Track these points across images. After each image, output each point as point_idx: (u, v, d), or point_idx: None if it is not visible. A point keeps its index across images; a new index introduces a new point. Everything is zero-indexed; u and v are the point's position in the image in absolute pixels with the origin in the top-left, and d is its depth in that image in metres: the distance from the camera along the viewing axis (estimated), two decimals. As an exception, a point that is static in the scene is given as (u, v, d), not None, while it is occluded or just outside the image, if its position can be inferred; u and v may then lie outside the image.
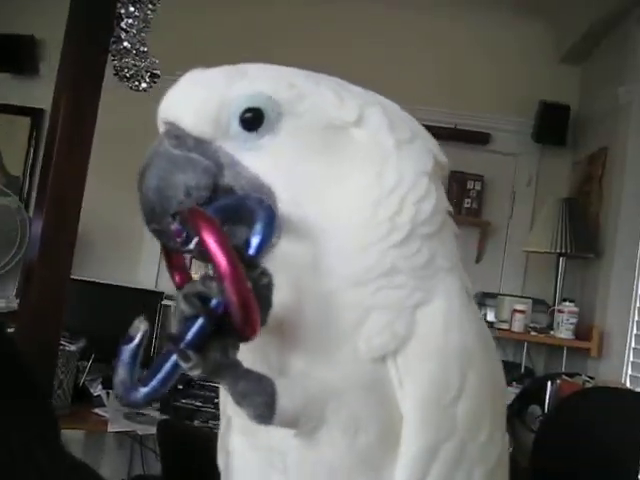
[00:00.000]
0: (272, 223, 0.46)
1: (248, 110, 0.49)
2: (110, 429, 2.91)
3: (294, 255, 0.48)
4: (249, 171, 0.49)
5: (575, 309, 2.97)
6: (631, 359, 2.76)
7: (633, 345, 2.77)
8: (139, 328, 0.46)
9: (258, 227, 0.45)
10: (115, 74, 1.89)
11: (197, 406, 3.29)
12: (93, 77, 1.94)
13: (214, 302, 0.45)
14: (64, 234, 1.96)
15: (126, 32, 1.84)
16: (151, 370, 0.45)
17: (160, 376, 0.45)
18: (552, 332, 3.02)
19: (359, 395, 0.49)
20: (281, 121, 0.50)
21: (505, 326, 3.01)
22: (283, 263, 0.48)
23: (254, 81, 0.50)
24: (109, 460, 3.61)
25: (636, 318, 2.77)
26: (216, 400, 3.22)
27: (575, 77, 3.75)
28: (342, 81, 0.55)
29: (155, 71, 1.90)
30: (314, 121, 0.50)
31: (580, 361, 3.02)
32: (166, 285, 3.83)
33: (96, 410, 3.07)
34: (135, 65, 1.86)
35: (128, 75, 1.87)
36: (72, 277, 2.26)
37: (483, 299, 3.29)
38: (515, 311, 3.01)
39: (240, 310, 0.43)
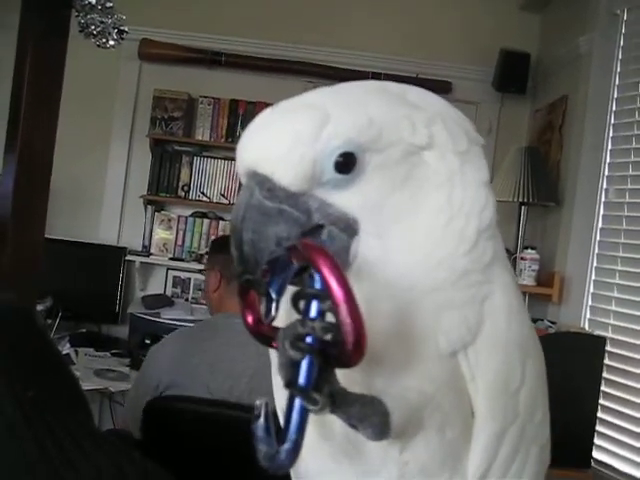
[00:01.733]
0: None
1: (342, 155, 0.50)
2: (82, 387, 2.91)
3: (377, 279, 0.50)
4: (337, 209, 0.51)
5: (537, 256, 3.05)
6: (590, 304, 2.87)
7: (592, 290, 2.87)
8: (262, 405, 0.47)
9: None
10: (81, 31, 1.83)
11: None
12: (58, 32, 1.88)
13: (317, 341, 0.45)
14: (37, 192, 1.92)
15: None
16: (283, 429, 0.46)
17: (293, 427, 0.45)
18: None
19: (444, 393, 0.52)
20: (367, 160, 0.51)
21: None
22: (367, 284, 0.50)
23: (339, 126, 0.51)
24: (78, 416, 3.62)
25: (595, 264, 2.87)
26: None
27: (535, 25, 3.77)
28: (402, 92, 0.56)
29: (122, 27, 1.84)
30: (393, 153, 0.52)
31: (542, 307, 3.12)
32: (128, 240, 3.80)
33: (66, 368, 3.07)
34: (102, 22, 1.80)
35: (95, 32, 1.82)
36: (49, 237, 2.22)
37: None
38: (479, 260, 3.07)
39: (354, 337, 0.44)
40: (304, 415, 0.46)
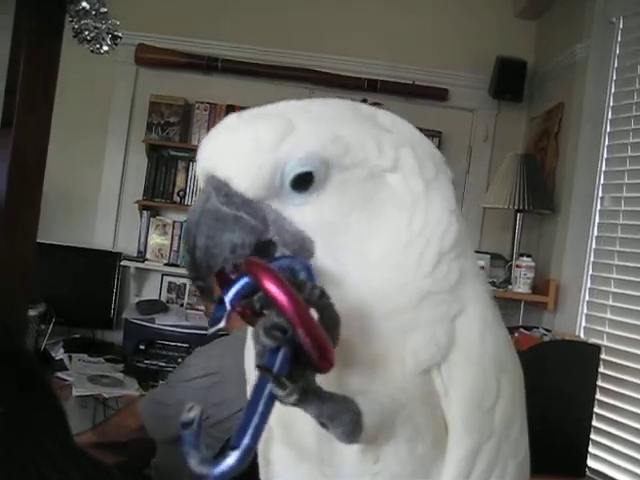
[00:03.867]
0: (312, 272, 0.48)
1: (299, 174, 0.49)
2: (75, 393, 2.90)
3: (336, 299, 0.49)
4: (293, 226, 0.51)
5: (532, 264, 3.05)
6: (585, 312, 2.87)
7: (587, 298, 2.86)
8: (193, 411, 0.46)
9: (303, 274, 0.47)
10: (74, 36, 1.83)
11: (160, 366, 3.31)
12: (51, 35, 1.87)
13: (290, 333, 0.45)
14: (30, 197, 1.91)
15: (82, -8, 1.77)
16: (240, 428, 0.45)
17: (255, 422, 0.45)
18: (510, 287, 3.11)
19: (416, 406, 0.51)
20: (329, 176, 0.50)
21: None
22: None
23: (303, 139, 0.50)
24: (72, 420, 3.60)
25: (590, 272, 2.86)
26: (179, 360, 3.23)
27: (531, 32, 3.78)
28: (373, 111, 0.55)
29: (116, 33, 1.83)
30: (356, 173, 0.52)
31: (537, 314, 3.12)
32: (123, 245, 3.79)
33: (59, 374, 3.05)
34: (95, 27, 1.79)
35: (88, 38, 1.81)
36: (40, 241, 2.19)
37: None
38: (475, 267, 3.07)
39: (314, 349, 0.43)
40: (267, 409, 0.45)
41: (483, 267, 3.07)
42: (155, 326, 3.47)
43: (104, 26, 1.80)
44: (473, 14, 3.71)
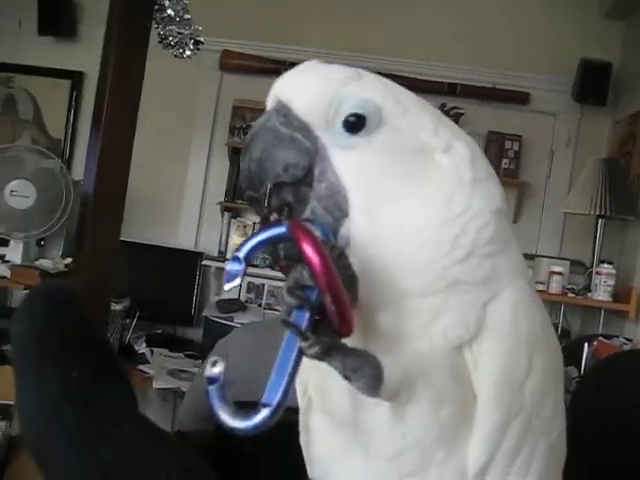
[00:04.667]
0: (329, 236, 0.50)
1: (354, 114, 0.51)
2: (155, 385, 3.01)
3: (364, 262, 0.51)
4: (333, 169, 0.52)
5: (613, 271, 2.96)
6: (669, 321, 2.76)
7: (672, 307, 2.76)
8: (217, 366, 0.49)
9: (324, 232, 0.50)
10: (160, 42, 1.92)
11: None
12: (138, 43, 1.97)
13: (314, 294, 0.48)
14: (115, 195, 2.02)
15: (169, 0, 1.86)
16: (270, 386, 0.48)
17: (285, 378, 0.48)
18: (589, 294, 3.03)
19: (441, 375, 0.53)
20: (380, 130, 0.53)
21: (542, 287, 3.02)
22: (358, 266, 0.51)
23: (367, 87, 0.53)
24: (153, 414, 3.74)
25: (676, 280, 2.76)
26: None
27: (618, 33, 3.67)
28: (439, 112, 0.58)
29: (198, 38, 1.92)
30: (408, 139, 0.54)
31: (618, 323, 3.03)
32: (205, 245, 3.92)
33: (140, 367, 3.18)
34: (179, 33, 1.88)
35: (172, 43, 1.90)
36: (124, 239, 2.29)
37: (520, 260, 3.29)
38: (552, 273, 3.01)
39: (337, 316, 0.46)
40: (295, 367, 0.48)
41: (562, 273, 3.01)
42: (234, 324, 3.56)
43: (187, 32, 1.89)
44: (556, 15, 3.64)
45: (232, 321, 3.56)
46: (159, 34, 1.92)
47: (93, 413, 0.56)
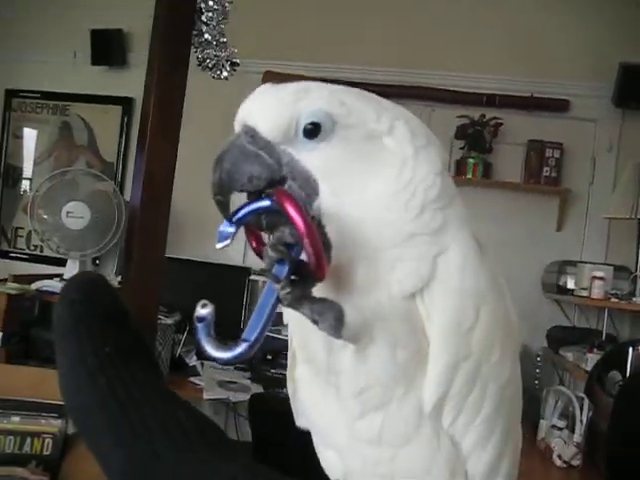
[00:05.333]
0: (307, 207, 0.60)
1: (310, 123, 0.61)
2: (205, 396, 3.11)
3: (333, 228, 0.60)
4: (303, 167, 0.62)
5: (658, 275, 2.95)
6: None
7: None
8: (207, 309, 0.59)
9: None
10: (199, 65, 2.03)
11: (285, 375, 3.47)
12: (178, 68, 2.09)
13: (294, 250, 0.57)
14: (159, 214, 2.13)
15: (206, 25, 1.98)
16: (251, 322, 0.58)
17: (263, 320, 0.58)
18: (634, 299, 3.01)
19: (397, 322, 0.61)
20: (334, 131, 0.62)
21: (585, 293, 3.02)
22: (331, 234, 0.60)
23: (315, 99, 0.62)
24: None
25: None
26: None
27: (658, 37, 3.66)
28: (377, 97, 0.67)
29: (235, 60, 2.02)
30: (358, 131, 0.63)
31: (663, 327, 3.00)
32: (253, 261, 4.02)
33: (191, 379, 3.30)
34: (216, 55, 1.99)
35: (210, 65, 2.01)
36: (167, 256, 2.39)
37: (563, 267, 3.30)
38: (594, 278, 3.01)
39: (314, 259, 0.56)
40: (272, 311, 0.58)
41: (603, 278, 3.00)
42: (282, 337, 3.64)
43: (224, 54, 2.00)
44: (592, 20, 3.65)
45: (280, 334, 3.65)
46: (197, 57, 2.03)
47: (123, 381, 0.65)
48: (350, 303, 0.59)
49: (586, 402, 2.61)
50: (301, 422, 0.75)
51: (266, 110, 0.63)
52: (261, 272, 0.59)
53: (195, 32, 1.99)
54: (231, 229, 0.61)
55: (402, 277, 0.61)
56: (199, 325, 0.58)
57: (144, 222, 2.04)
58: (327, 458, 0.72)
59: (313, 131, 0.62)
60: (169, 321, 3.32)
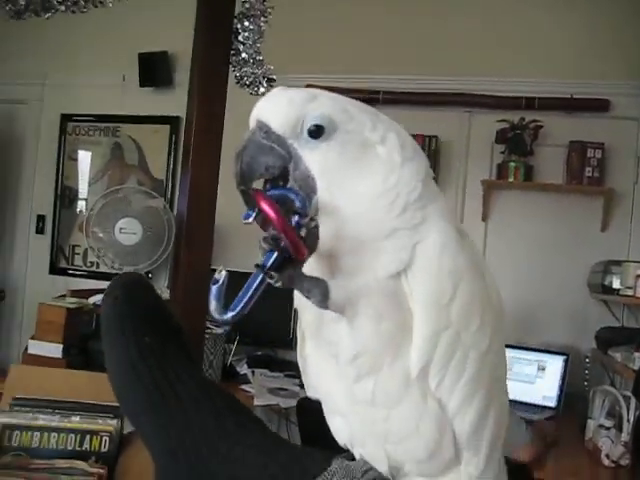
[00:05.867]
0: (305, 202, 0.67)
1: (314, 126, 0.69)
2: (256, 403, 3.21)
3: (329, 222, 0.68)
4: (304, 163, 0.70)
5: None
6: None
7: None
8: (222, 273, 0.68)
9: (297, 202, 0.67)
10: (237, 82, 2.14)
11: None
12: (218, 86, 2.20)
13: (281, 242, 0.66)
14: (204, 227, 2.24)
15: (243, 44, 2.08)
16: (238, 297, 0.66)
17: (246, 297, 0.68)
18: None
19: (382, 299, 0.69)
20: (335, 134, 0.70)
21: (630, 292, 3.01)
22: (324, 225, 0.68)
23: (321, 104, 0.71)
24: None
25: None
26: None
27: (698, 31, 3.62)
28: (375, 110, 0.75)
29: (271, 76, 2.12)
30: (355, 137, 0.72)
31: None
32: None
33: (242, 386, 3.40)
34: (253, 73, 2.09)
35: (248, 82, 2.11)
36: (214, 268, 2.48)
37: (608, 267, 3.28)
38: (638, 276, 3.00)
39: (291, 245, 0.67)
40: (256, 291, 0.69)
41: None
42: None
43: (260, 71, 2.10)
44: (629, 18, 3.63)
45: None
46: (235, 76, 2.13)
47: (161, 367, 0.73)
48: (339, 283, 0.67)
49: (633, 401, 2.60)
50: (311, 392, 0.83)
51: (278, 108, 0.72)
52: (255, 266, 0.68)
53: (233, 51, 2.09)
54: (252, 215, 0.70)
55: (386, 263, 0.69)
56: (213, 287, 0.67)
57: (190, 235, 2.15)
58: (334, 423, 0.80)
59: (316, 132, 0.71)
60: (219, 331, 3.43)
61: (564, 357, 3.43)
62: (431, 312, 0.70)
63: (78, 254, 4.61)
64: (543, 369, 3.46)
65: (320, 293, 0.67)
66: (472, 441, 0.72)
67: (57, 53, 4.58)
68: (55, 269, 4.68)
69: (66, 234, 4.69)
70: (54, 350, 3.08)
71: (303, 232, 0.67)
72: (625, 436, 2.59)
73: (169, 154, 4.43)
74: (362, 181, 0.71)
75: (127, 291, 0.78)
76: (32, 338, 3.18)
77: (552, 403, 3.37)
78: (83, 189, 4.67)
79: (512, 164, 3.72)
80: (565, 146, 3.71)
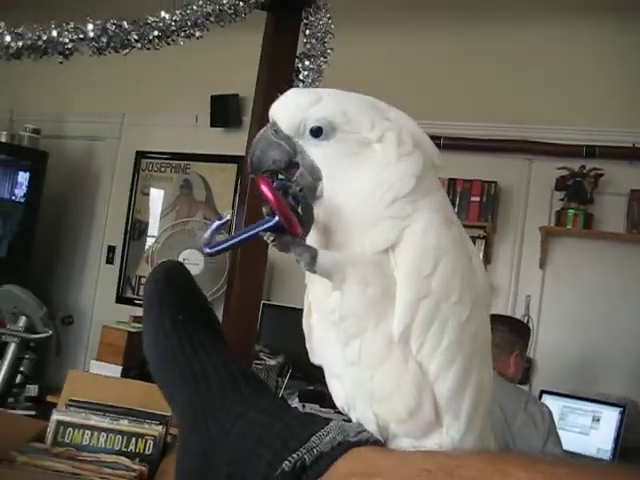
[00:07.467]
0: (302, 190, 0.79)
1: (315, 127, 0.79)
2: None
3: (329, 206, 0.78)
4: (309, 157, 0.80)
5: None
6: None
7: None
8: (228, 214, 0.78)
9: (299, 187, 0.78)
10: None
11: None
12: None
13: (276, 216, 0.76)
14: (256, 261, 2.34)
15: (303, 82, 2.20)
16: (226, 238, 0.76)
17: (230, 242, 0.77)
18: None
19: (367, 266, 0.77)
20: (334, 134, 0.80)
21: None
22: (322, 212, 0.78)
23: (323, 107, 0.81)
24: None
25: None
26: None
27: None
28: (386, 107, 0.84)
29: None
30: (353, 137, 0.80)
31: None
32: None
33: (293, 420, 3.44)
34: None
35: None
36: (272, 303, 2.57)
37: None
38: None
39: (285, 221, 0.74)
40: (242, 241, 0.76)
41: None
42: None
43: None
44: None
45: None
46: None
47: (190, 341, 0.82)
48: (329, 252, 0.76)
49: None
50: (314, 359, 0.90)
51: (285, 111, 0.81)
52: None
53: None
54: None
55: (375, 240, 0.78)
56: (215, 222, 0.78)
57: (243, 267, 2.26)
58: (333, 387, 0.86)
59: (317, 132, 0.80)
60: (272, 362, 3.51)
61: (620, 409, 3.36)
62: (412, 282, 0.77)
63: (143, 285, 4.80)
64: (598, 420, 3.39)
65: (309, 257, 0.75)
66: (452, 405, 0.79)
67: (135, 93, 4.86)
68: (121, 298, 4.89)
69: (134, 265, 4.89)
70: (114, 371, 3.23)
71: (299, 210, 0.76)
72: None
73: (235, 192, 4.59)
74: (357, 176, 0.79)
75: (167, 276, 0.87)
76: (94, 359, 3.34)
77: (607, 456, 3.28)
78: (154, 224, 4.89)
79: (571, 211, 3.72)
80: (626, 195, 3.70)
